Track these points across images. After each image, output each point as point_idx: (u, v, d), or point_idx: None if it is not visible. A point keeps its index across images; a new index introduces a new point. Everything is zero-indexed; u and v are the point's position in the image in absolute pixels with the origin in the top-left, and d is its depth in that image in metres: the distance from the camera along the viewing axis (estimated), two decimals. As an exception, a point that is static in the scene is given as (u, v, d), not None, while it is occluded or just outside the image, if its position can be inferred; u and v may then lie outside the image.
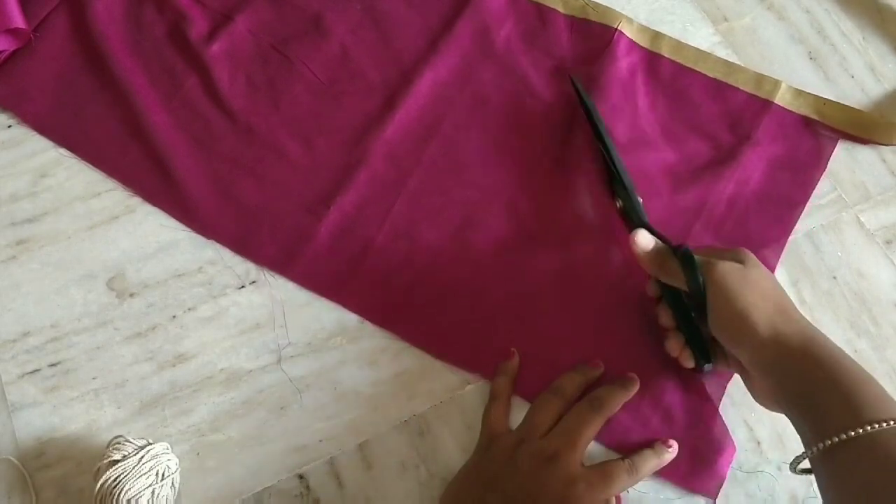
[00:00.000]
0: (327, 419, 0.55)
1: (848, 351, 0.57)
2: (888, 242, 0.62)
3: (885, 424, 0.42)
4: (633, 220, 0.57)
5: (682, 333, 0.54)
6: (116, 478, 0.49)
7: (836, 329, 0.59)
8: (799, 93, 0.65)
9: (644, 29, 0.68)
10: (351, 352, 0.57)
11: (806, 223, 0.62)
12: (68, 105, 0.64)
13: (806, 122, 0.65)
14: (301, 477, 0.54)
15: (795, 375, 0.46)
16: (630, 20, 0.68)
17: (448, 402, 0.56)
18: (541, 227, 0.61)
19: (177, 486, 0.51)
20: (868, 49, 0.69)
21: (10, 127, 0.64)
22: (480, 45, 0.67)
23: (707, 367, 0.53)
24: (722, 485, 0.54)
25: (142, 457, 0.50)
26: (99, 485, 0.49)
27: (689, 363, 0.54)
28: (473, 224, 0.61)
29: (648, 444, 0.53)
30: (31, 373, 0.56)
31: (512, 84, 0.66)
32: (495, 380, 0.56)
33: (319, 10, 0.68)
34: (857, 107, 0.66)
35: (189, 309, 0.58)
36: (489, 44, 0.67)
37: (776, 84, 0.65)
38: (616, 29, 0.67)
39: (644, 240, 0.54)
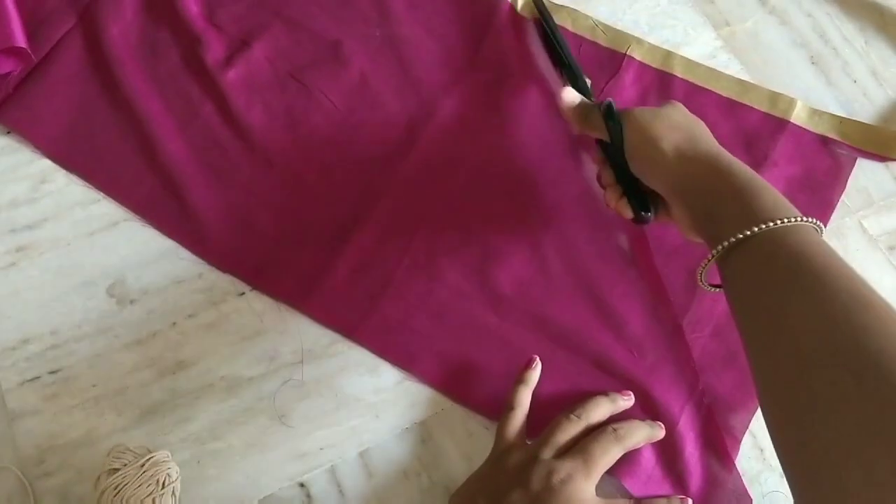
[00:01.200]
0: (328, 427, 0.55)
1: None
2: (891, 248, 0.61)
3: (778, 223, 0.42)
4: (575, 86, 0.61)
5: (622, 187, 0.55)
6: (117, 486, 0.49)
7: (838, 335, 0.58)
8: (814, 111, 0.64)
9: (654, 49, 0.67)
10: (352, 359, 0.57)
11: (808, 228, 0.62)
12: (82, 131, 0.63)
13: (823, 140, 0.64)
14: (302, 485, 0.54)
15: (700, 192, 0.47)
16: (640, 41, 0.67)
17: (450, 410, 0.56)
18: (564, 267, 0.59)
19: (177, 494, 0.51)
20: (870, 53, 0.69)
21: (8, 133, 0.63)
22: (497, 72, 0.66)
23: (647, 215, 0.54)
24: None
25: (142, 465, 0.50)
26: (99, 493, 0.49)
27: (627, 213, 0.54)
28: (495, 260, 0.59)
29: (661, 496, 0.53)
30: (31, 380, 0.56)
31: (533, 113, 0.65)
32: (514, 388, 0.54)
33: (338, 38, 0.66)
34: (860, 112, 0.66)
35: (189, 316, 0.58)
36: (507, 71, 0.66)
37: (791, 102, 0.64)
38: (625, 54, 0.66)
39: (570, 96, 0.58)
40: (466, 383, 0.56)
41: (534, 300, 0.58)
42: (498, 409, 0.54)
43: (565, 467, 0.49)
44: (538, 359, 0.56)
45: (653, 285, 0.59)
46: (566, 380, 0.56)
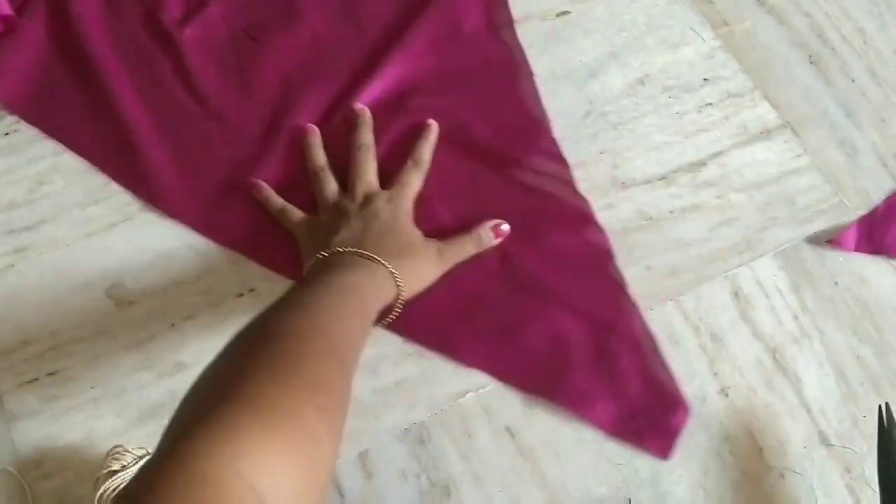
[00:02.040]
0: (327, 428, 0.55)
1: (850, 357, 0.58)
2: (890, 247, 0.61)
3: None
4: None
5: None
6: (116, 488, 0.49)
7: (838, 335, 0.58)
8: None
9: None
10: (351, 360, 0.57)
11: (807, 228, 0.62)
12: (44, 86, 0.65)
13: None
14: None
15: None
16: None
17: (449, 411, 0.56)
18: (501, 210, 0.61)
19: (176, 496, 0.51)
20: (868, 53, 0.69)
21: (7, 135, 0.63)
22: (448, 31, 0.67)
23: None
24: (674, 443, 0.54)
25: (143, 465, 0.49)
26: (98, 495, 0.49)
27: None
28: (427, 195, 0.61)
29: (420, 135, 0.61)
30: (30, 382, 0.56)
31: (479, 69, 0.66)
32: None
33: None
34: (859, 112, 0.66)
35: (188, 317, 0.58)
36: (457, 30, 0.68)
37: None
38: None
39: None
40: (414, 320, 0.57)
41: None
42: (441, 343, 0.57)
43: (357, 191, 0.58)
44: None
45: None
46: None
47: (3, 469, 0.53)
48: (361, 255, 0.52)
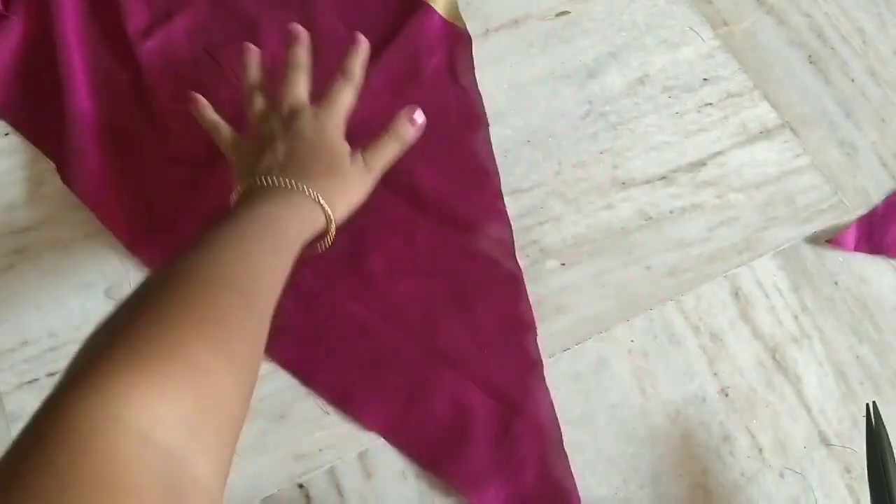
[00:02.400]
0: (327, 427, 0.55)
1: (850, 357, 0.57)
2: (889, 247, 0.61)
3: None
4: None
5: None
6: (115, 488, 0.49)
7: (838, 335, 0.58)
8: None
9: None
10: (351, 360, 0.57)
11: (807, 228, 0.62)
12: (19, 82, 0.65)
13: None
14: (301, 486, 0.54)
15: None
16: None
17: (449, 410, 0.56)
18: (430, 265, 0.60)
19: (176, 496, 0.51)
20: (868, 53, 0.69)
21: (7, 135, 0.63)
22: (407, 71, 0.66)
23: None
24: None
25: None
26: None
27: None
28: (364, 250, 0.60)
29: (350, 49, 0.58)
30: (29, 382, 0.56)
31: (434, 113, 0.64)
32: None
33: (257, 20, 0.68)
34: (859, 111, 0.66)
35: (188, 317, 0.58)
36: (417, 71, 0.66)
37: None
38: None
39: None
40: (318, 366, 0.56)
41: (400, 292, 0.59)
42: (342, 396, 0.56)
43: (283, 106, 0.56)
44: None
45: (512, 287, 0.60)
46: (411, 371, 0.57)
47: (2, 469, 0.53)
48: (283, 184, 0.50)
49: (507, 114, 0.66)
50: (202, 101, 0.58)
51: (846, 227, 0.62)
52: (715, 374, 0.57)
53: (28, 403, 0.55)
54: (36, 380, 0.56)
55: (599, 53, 0.68)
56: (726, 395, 0.57)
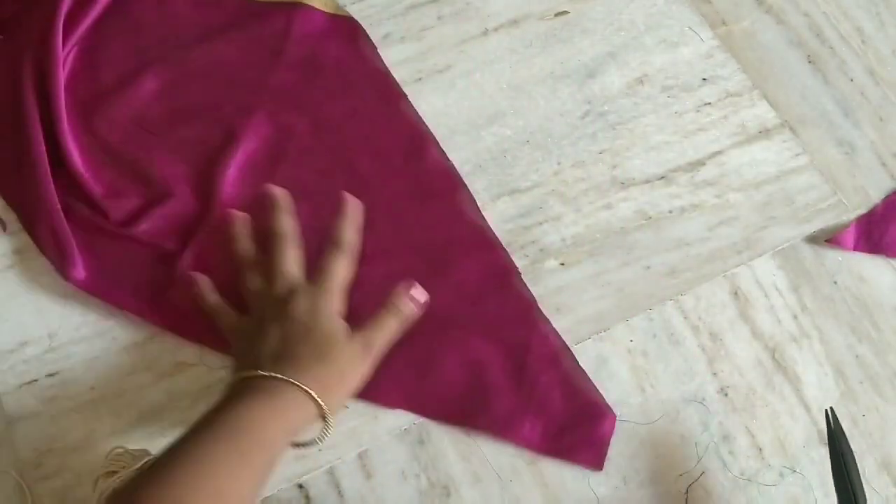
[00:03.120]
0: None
1: (849, 356, 0.58)
2: (889, 247, 0.62)
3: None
4: None
5: None
6: (115, 489, 0.49)
7: (837, 334, 0.58)
8: None
9: None
10: (350, 360, 0.57)
11: (806, 227, 0.62)
12: None
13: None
14: (301, 486, 0.54)
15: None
16: None
17: (448, 410, 0.56)
18: (398, 240, 0.60)
19: (176, 496, 0.51)
20: (867, 52, 0.69)
21: (6, 135, 0.63)
22: (310, 73, 0.66)
23: None
24: (604, 453, 0.54)
25: (141, 467, 0.49)
26: (98, 496, 0.49)
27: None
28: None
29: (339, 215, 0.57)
30: (29, 383, 0.56)
31: (348, 101, 0.66)
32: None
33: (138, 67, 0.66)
34: (858, 111, 0.66)
35: (187, 318, 0.58)
36: (320, 68, 0.66)
37: None
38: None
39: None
40: None
41: (378, 274, 0.58)
42: None
43: (277, 287, 0.54)
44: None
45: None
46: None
47: (2, 470, 0.53)
48: (271, 377, 0.48)
49: (506, 114, 0.66)
50: (205, 282, 0.56)
51: (845, 226, 0.62)
52: (714, 373, 0.57)
53: (28, 404, 0.55)
54: (35, 380, 0.56)
55: (598, 53, 0.68)
56: (726, 395, 0.57)
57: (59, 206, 0.58)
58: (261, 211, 0.58)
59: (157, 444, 0.54)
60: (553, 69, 0.68)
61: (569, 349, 0.57)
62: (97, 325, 0.58)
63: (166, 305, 0.57)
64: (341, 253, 0.56)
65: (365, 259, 0.59)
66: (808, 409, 0.56)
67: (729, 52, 0.68)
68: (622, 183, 0.63)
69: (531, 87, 0.67)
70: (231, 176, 0.61)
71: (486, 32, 0.69)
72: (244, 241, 0.57)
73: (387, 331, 0.54)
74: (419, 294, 0.55)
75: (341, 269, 0.55)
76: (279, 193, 0.58)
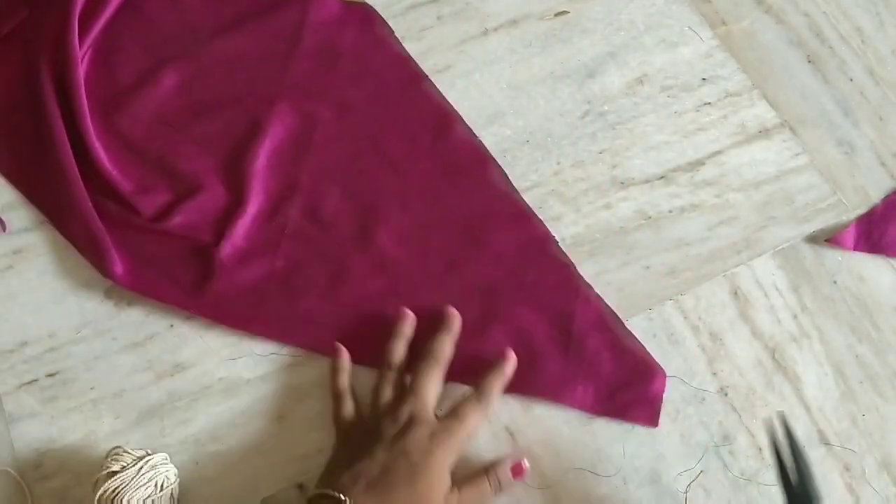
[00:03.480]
0: (326, 428, 0.55)
1: (849, 356, 0.58)
2: (888, 246, 0.62)
3: None
4: None
5: None
6: (115, 489, 0.49)
7: (837, 334, 0.58)
8: None
9: None
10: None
11: (806, 227, 0.62)
12: (6, 128, 0.64)
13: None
14: (301, 486, 0.54)
15: None
16: None
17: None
18: (433, 217, 0.61)
19: (176, 496, 0.51)
20: (867, 52, 0.69)
21: (6, 135, 0.63)
22: (327, 61, 0.67)
23: None
24: (658, 410, 0.55)
25: (140, 468, 0.49)
26: (98, 496, 0.49)
27: None
28: (368, 229, 0.61)
29: (489, 365, 0.55)
30: (29, 383, 0.56)
31: (370, 85, 0.66)
32: (333, 379, 0.55)
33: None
34: (857, 111, 0.66)
35: (187, 318, 0.58)
36: (338, 56, 0.67)
37: None
38: None
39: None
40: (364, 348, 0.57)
41: (416, 253, 0.60)
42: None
43: (405, 409, 0.52)
44: (340, 345, 0.56)
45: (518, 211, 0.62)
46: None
47: (2, 470, 0.53)
48: None
49: (506, 113, 0.66)
50: (345, 360, 0.56)
51: (845, 226, 0.62)
52: (714, 373, 0.57)
53: (27, 404, 0.55)
54: (35, 380, 0.56)
55: (598, 53, 0.68)
56: (726, 395, 0.57)
57: (90, 205, 0.59)
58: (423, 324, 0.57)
59: (156, 444, 0.54)
60: (553, 69, 0.68)
61: (613, 311, 0.58)
62: (97, 325, 0.58)
63: (210, 296, 0.58)
64: (482, 405, 0.52)
65: (402, 239, 0.60)
66: (807, 408, 0.56)
67: (728, 52, 0.68)
68: (622, 183, 0.63)
69: (531, 86, 0.67)
70: (260, 166, 0.62)
71: (485, 32, 0.69)
72: (399, 344, 0.56)
73: (484, 499, 0.51)
74: (525, 467, 0.53)
75: (474, 421, 0.52)
76: (455, 317, 0.57)
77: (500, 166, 0.63)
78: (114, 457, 0.50)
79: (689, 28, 0.69)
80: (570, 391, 0.56)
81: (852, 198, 0.63)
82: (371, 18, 0.69)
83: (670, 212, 0.62)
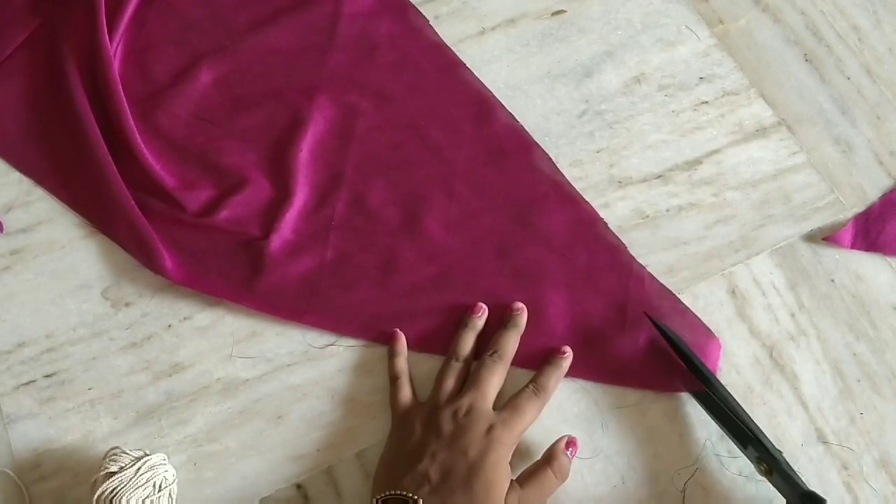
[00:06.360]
0: (325, 428, 0.55)
1: (847, 354, 0.58)
2: (886, 245, 0.62)
3: None
4: None
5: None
6: (113, 489, 0.49)
7: (834, 333, 0.59)
8: None
9: None
10: (348, 360, 0.57)
11: (803, 226, 0.62)
12: (37, 135, 0.64)
13: None
14: (299, 486, 0.54)
15: None
16: None
17: (446, 410, 0.56)
18: (481, 203, 0.62)
19: (174, 497, 0.51)
20: (864, 50, 0.69)
21: (3, 136, 0.63)
22: (365, 51, 0.67)
23: None
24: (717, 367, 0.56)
25: (138, 468, 0.49)
26: (96, 497, 0.49)
27: None
28: (416, 218, 0.61)
29: (546, 359, 0.56)
30: (27, 384, 0.56)
31: (408, 75, 0.67)
32: (391, 362, 0.56)
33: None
34: (854, 109, 0.66)
35: (185, 318, 0.58)
36: (374, 46, 0.68)
37: None
38: None
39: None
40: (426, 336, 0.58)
41: (466, 239, 0.60)
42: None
43: (465, 401, 0.52)
44: (399, 331, 0.57)
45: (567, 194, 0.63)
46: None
47: (0, 471, 0.53)
48: None
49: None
50: (402, 345, 0.57)
51: (843, 224, 0.62)
52: (712, 372, 0.57)
53: (25, 405, 0.55)
54: (33, 381, 0.56)
55: (595, 52, 0.69)
56: (724, 393, 0.57)
57: (133, 203, 0.59)
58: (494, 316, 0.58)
59: (154, 444, 0.54)
60: (550, 68, 0.68)
61: (666, 288, 0.59)
62: (94, 326, 0.58)
63: (262, 290, 0.58)
64: (539, 398, 0.53)
65: (451, 226, 0.61)
66: (805, 407, 0.56)
67: (726, 51, 0.68)
68: (619, 182, 0.63)
69: (528, 86, 0.67)
70: (304, 159, 0.62)
71: (482, 32, 0.69)
72: (469, 336, 0.57)
73: (546, 488, 0.51)
74: (574, 439, 0.53)
75: (532, 413, 0.53)
76: (522, 313, 0.57)
77: (544, 150, 0.64)
78: (112, 457, 0.50)
79: (687, 27, 0.70)
80: (629, 371, 0.56)
81: (850, 196, 0.63)
82: (405, 8, 0.69)
83: (668, 211, 0.62)
